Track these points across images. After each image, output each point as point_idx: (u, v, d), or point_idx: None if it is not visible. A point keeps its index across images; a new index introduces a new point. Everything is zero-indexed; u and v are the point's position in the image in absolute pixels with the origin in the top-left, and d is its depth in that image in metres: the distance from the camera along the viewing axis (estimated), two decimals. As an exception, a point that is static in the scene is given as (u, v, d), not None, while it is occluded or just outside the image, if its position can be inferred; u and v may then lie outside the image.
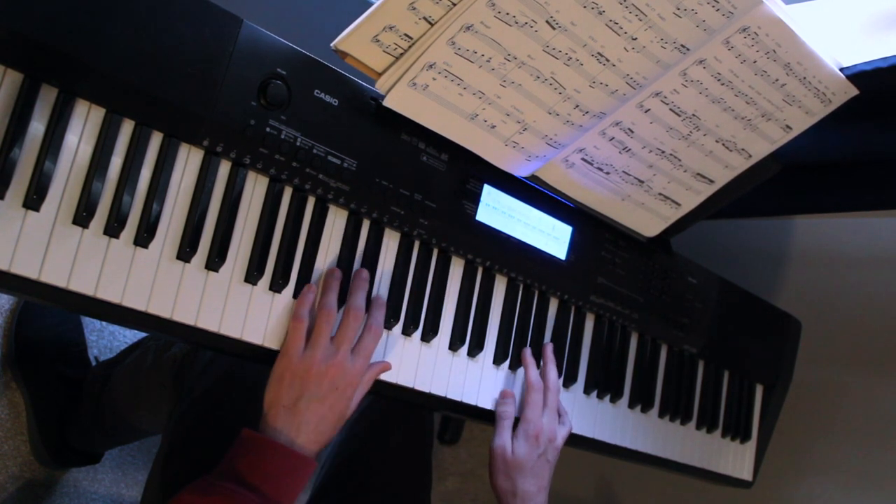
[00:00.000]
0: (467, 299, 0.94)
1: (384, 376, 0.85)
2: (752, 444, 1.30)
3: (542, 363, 0.99)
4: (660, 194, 1.03)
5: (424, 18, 0.77)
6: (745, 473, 1.29)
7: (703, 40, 0.85)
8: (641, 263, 1.09)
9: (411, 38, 0.78)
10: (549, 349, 1.00)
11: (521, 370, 0.98)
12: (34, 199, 0.65)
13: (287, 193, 0.80)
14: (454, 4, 0.76)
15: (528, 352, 0.98)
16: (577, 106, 0.87)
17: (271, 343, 0.78)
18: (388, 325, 0.86)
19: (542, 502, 0.93)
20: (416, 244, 0.90)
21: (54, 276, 0.66)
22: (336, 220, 0.83)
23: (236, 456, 0.74)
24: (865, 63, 0.92)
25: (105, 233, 0.69)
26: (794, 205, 1.36)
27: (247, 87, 0.73)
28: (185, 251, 0.73)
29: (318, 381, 0.76)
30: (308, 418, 0.75)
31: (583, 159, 0.95)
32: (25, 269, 0.64)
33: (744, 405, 1.28)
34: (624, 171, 0.98)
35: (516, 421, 0.95)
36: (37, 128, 0.65)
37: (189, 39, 0.70)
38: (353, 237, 0.84)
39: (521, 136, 0.89)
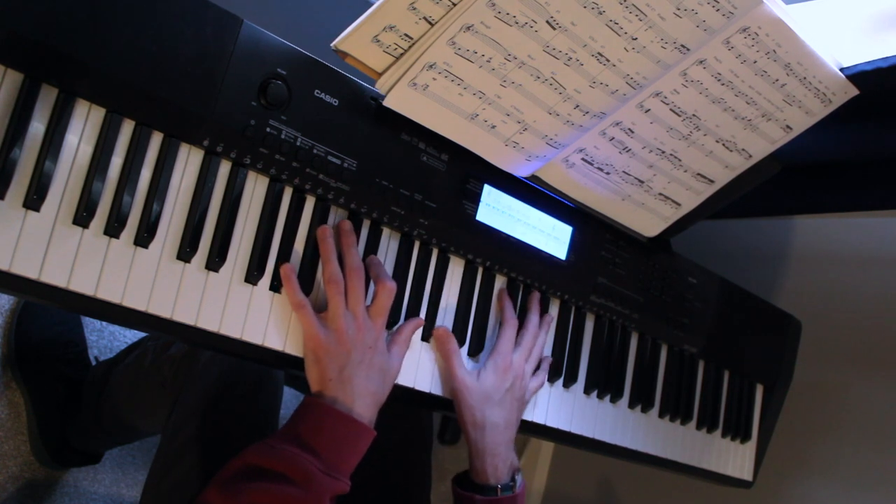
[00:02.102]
0: (467, 299, 0.94)
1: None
2: (752, 444, 1.30)
3: (527, 309, 0.98)
4: (660, 194, 1.03)
5: (424, 18, 0.77)
6: (745, 473, 1.29)
7: (704, 40, 0.85)
8: (641, 263, 1.09)
9: (411, 38, 0.78)
10: (535, 297, 0.99)
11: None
12: (34, 199, 0.65)
13: (287, 193, 0.80)
14: (454, 4, 0.76)
15: (505, 291, 0.97)
16: (578, 106, 0.87)
17: (271, 343, 0.78)
18: (388, 325, 0.86)
19: (510, 440, 0.91)
20: (416, 244, 0.90)
21: (54, 276, 0.66)
22: (336, 221, 0.83)
23: (298, 420, 0.76)
24: (866, 63, 0.92)
25: (105, 233, 0.69)
26: (794, 205, 1.36)
27: (247, 87, 0.73)
28: (186, 251, 0.73)
29: (352, 348, 0.78)
30: (357, 382, 0.78)
31: (583, 159, 0.95)
32: (26, 269, 0.64)
33: (744, 405, 1.28)
34: (624, 171, 0.98)
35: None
36: (37, 128, 0.65)
37: (189, 39, 0.70)
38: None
39: (522, 136, 0.89)
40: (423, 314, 0.89)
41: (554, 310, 1.04)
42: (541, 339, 0.98)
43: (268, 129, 0.75)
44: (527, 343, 0.95)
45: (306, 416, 0.76)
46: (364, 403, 0.78)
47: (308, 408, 0.76)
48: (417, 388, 0.89)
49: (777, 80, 0.91)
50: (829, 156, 1.25)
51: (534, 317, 0.98)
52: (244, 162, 0.76)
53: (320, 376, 0.77)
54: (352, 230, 0.82)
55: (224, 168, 0.76)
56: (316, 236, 0.80)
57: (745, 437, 1.28)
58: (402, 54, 0.79)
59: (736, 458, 1.28)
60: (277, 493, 0.70)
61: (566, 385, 1.03)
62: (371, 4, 0.76)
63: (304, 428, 0.75)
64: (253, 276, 0.77)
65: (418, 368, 0.89)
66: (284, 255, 0.79)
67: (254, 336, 0.77)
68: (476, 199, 0.91)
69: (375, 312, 0.81)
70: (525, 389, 0.94)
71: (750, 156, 1.01)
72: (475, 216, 0.91)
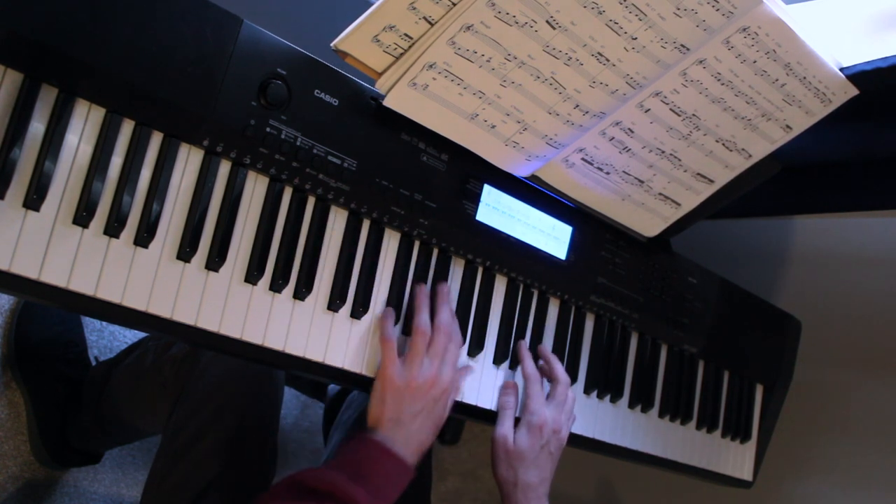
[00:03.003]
0: (467, 299, 0.94)
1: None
2: (752, 444, 1.30)
3: (544, 362, 0.99)
4: (660, 194, 1.03)
5: (424, 18, 0.77)
6: (745, 473, 1.29)
7: (703, 40, 0.85)
8: (641, 263, 1.09)
9: (411, 38, 0.78)
10: (546, 349, 1.00)
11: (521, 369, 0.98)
12: (34, 199, 0.65)
13: (287, 193, 0.80)
14: (454, 4, 0.76)
15: (523, 344, 0.98)
16: (578, 106, 0.87)
17: (271, 343, 0.78)
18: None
19: (544, 494, 0.93)
20: (417, 244, 0.90)
21: (54, 276, 0.66)
22: (336, 220, 0.83)
23: (353, 452, 0.79)
24: (865, 63, 0.92)
25: (105, 233, 0.69)
26: (794, 205, 1.36)
27: (247, 87, 0.73)
28: (186, 251, 0.73)
29: (417, 396, 0.82)
30: (412, 429, 0.82)
31: (583, 159, 0.95)
32: (25, 269, 0.64)
33: (744, 405, 1.28)
34: (624, 171, 0.98)
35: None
36: (37, 128, 0.65)
37: (189, 39, 0.70)
38: (354, 237, 0.84)
39: (521, 136, 0.89)
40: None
41: (554, 310, 1.04)
42: (570, 389, 0.99)
43: (268, 129, 0.75)
44: (559, 395, 0.96)
45: (361, 450, 0.80)
46: (411, 452, 0.82)
47: (364, 442, 0.80)
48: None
49: (777, 79, 0.91)
50: (829, 156, 1.25)
51: (557, 366, 0.99)
52: (244, 162, 0.76)
53: (380, 414, 0.81)
54: (448, 291, 0.89)
55: (224, 168, 0.76)
56: (413, 289, 0.87)
57: (745, 437, 1.28)
58: (402, 54, 0.79)
59: (736, 458, 1.28)
60: None
61: (566, 385, 1.03)
62: (371, 4, 0.76)
63: (357, 460, 0.78)
64: (253, 276, 0.77)
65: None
66: (284, 255, 0.79)
67: (254, 336, 0.77)
68: (476, 199, 0.91)
69: (446, 361, 0.85)
70: (562, 441, 0.96)
71: (750, 156, 1.01)
72: (475, 216, 0.91)
